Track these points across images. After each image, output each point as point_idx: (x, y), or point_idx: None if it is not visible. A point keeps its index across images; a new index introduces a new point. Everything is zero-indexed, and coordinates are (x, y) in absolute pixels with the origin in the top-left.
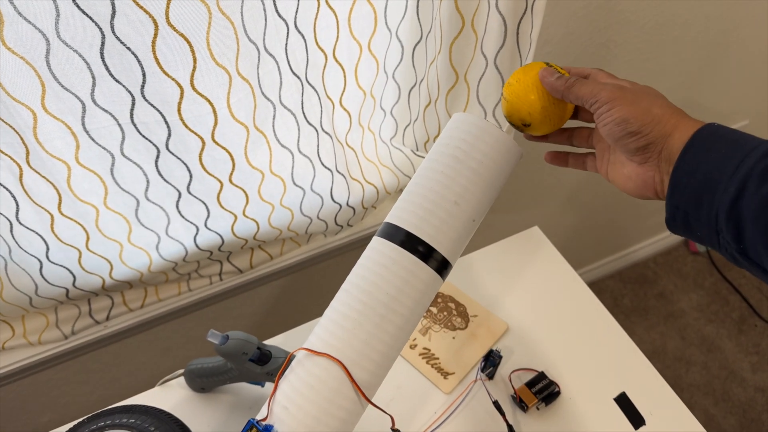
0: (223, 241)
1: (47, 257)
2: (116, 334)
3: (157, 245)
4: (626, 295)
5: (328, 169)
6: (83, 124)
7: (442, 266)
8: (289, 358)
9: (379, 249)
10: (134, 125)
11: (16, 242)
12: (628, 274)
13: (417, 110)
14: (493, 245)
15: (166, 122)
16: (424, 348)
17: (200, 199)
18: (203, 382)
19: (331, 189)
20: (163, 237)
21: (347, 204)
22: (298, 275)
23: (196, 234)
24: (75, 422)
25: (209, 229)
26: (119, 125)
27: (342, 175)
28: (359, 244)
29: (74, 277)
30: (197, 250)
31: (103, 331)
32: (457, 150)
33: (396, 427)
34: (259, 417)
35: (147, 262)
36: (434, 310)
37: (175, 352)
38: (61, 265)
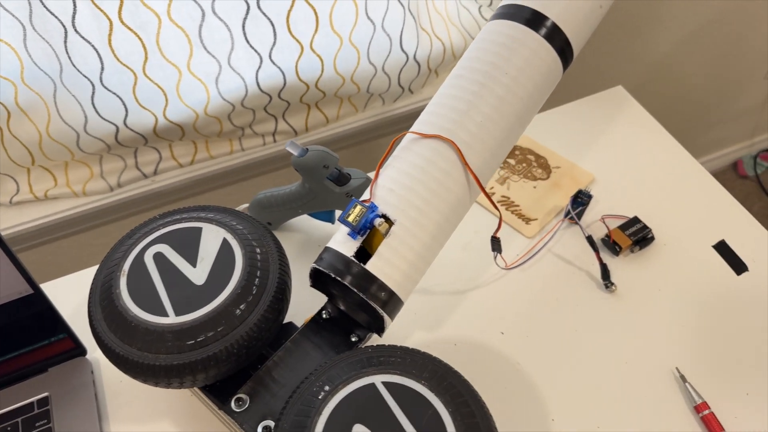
0: (285, 83)
1: (101, 80)
2: (163, 194)
3: (216, 77)
4: None
5: (401, 4)
6: None
7: (565, 52)
8: (392, 145)
9: (497, 30)
10: None
11: (69, 58)
12: None
13: None
14: (573, 103)
15: None
16: (503, 196)
17: (268, 18)
18: (271, 214)
19: (401, 33)
20: (225, 67)
21: (414, 57)
22: (352, 150)
23: (259, 68)
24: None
25: (273, 62)
26: None
27: (413, 17)
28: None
29: (126, 111)
30: (258, 91)
31: (151, 186)
32: None
33: (497, 235)
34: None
35: (204, 100)
36: (512, 161)
37: None
38: (114, 93)
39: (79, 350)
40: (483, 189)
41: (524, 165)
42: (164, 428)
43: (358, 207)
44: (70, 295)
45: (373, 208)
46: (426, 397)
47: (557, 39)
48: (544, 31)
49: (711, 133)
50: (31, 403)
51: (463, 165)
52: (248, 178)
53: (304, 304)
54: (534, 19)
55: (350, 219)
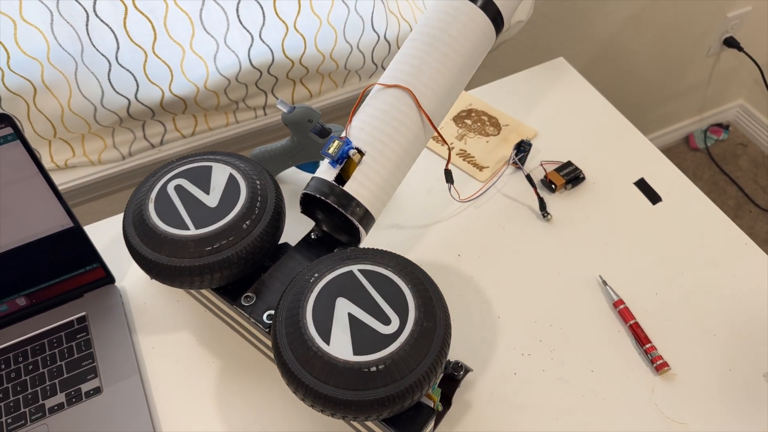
0: (273, 59)
1: (116, 59)
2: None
3: (215, 55)
4: None
5: None
6: None
7: (497, 20)
8: (362, 94)
9: (443, 1)
10: None
11: (90, 39)
12: None
13: None
14: (519, 73)
15: None
16: (461, 149)
17: (258, 1)
18: (266, 167)
19: (372, 14)
20: (221, 45)
21: (384, 37)
22: (333, 123)
23: (251, 46)
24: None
25: (262, 41)
26: None
27: (382, 2)
28: None
29: (138, 85)
30: (250, 67)
31: (158, 155)
32: None
33: (448, 167)
34: None
35: (204, 75)
36: (469, 122)
37: None
38: (127, 69)
39: (110, 279)
40: (434, 127)
41: (479, 124)
42: (181, 336)
43: (336, 141)
44: (98, 237)
45: (348, 142)
46: (392, 278)
47: (490, 9)
48: (479, 2)
49: (662, 109)
50: (71, 321)
51: (417, 108)
52: (243, 149)
53: (297, 234)
54: None
55: (330, 151)
